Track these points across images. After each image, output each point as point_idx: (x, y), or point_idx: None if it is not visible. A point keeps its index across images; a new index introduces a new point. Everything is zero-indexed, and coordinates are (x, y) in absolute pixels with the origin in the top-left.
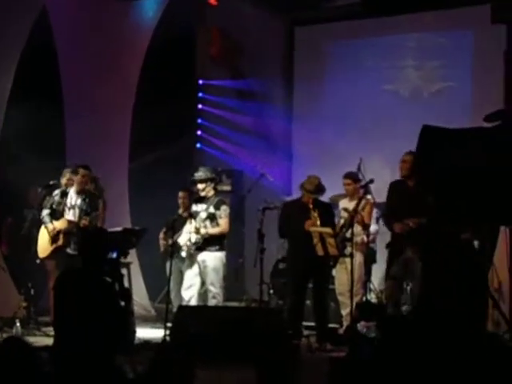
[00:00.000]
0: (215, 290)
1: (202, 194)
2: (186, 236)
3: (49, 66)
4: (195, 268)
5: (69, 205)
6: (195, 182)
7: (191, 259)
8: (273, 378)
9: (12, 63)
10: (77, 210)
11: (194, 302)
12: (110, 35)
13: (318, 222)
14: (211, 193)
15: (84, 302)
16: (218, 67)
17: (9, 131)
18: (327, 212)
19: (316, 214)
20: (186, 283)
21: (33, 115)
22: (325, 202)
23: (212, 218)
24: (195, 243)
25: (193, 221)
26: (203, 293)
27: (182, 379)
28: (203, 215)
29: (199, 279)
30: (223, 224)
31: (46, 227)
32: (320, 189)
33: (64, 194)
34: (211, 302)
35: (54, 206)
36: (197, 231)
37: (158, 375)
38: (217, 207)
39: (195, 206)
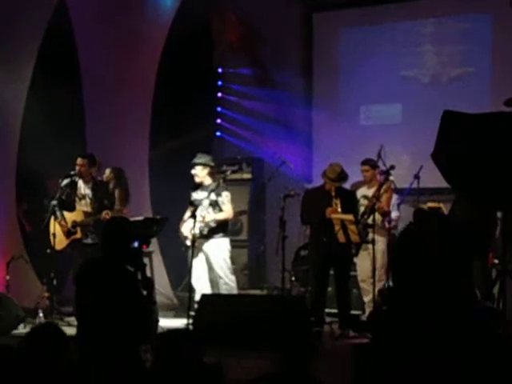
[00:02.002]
0: (225, 276)
1: (197, 179)
2: (189, 225)
3: (68, 55)
4: (201, 257)
5: (79, 195)
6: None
7: (196, 248)
8: (292, 365)
9: (32, 54)
10: (88, 200)
11: (207, 291)
12: (128, 25)
13: (340, 210)
14: (208, 181)
15: (106, 291)
16: (237, 55)
17: (29, 121)
18: (350, 199)
19: (338, 202)
20: (194, 274)
21: (53, 105)
22: (348, 190)
23: (214, 205)
24: (200, 232)
25: (191, 208)
26: (213, 280)
27: (189, 367)
28: (205, 203)
29: (206, 268)
30: (227, 209)
31: (58, 222)
32: (342, 177)
33: (74, 184)
34: (223, 290)
35: (63, 197)
36: (202, 219)
37: (163, 364)
38: (218, 194)
39: (195, 193)
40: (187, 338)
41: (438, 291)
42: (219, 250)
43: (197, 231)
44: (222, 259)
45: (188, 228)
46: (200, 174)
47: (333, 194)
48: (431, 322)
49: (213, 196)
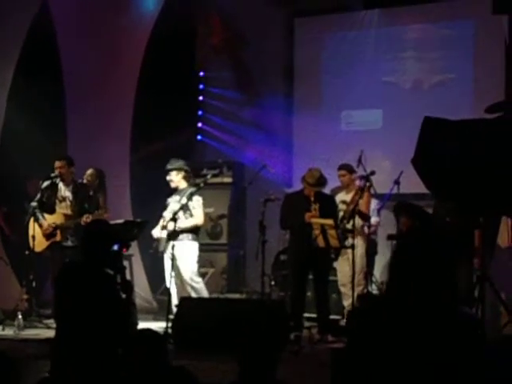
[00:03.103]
0: (190, 280)
1: (173, 185)
2: (159, 229)
3: (50, 58)
4: (169, 260)
5: (60, 197)
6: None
7: (167, 252)
8: (254, 370)
9: (13, 55)
10: (68, 202)
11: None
12: (111, 27)
13: (318, 215)
14: (184, 185)
15: (86, 294)
16: (219, 58)
17: (10, 122)
18: (329, 204)
19: (316, 207)
20: (167, 278)
21: (34, 107)
22: (327, 195)
23: (185, 209)
24: (168, 235)
25: (164, 214)
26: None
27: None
28: (175, 206)
29: (174, 271)
30: (197, 215)
31: (39, 224)
32: (321, 182)
33: (54, 186)
34: (192, 294)
35: (44, 199)
36: (164, 227)
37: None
38: (189, 198)
39: (170, 198)
40: (155, 339)
41: (418, 296)
42: (186, 252)
43: (164, 235)
44: (188, 262)
45: (158, 231)
46: (175, 178)
47: (312, 198)
48: (409, 326)
49: (184, 200)
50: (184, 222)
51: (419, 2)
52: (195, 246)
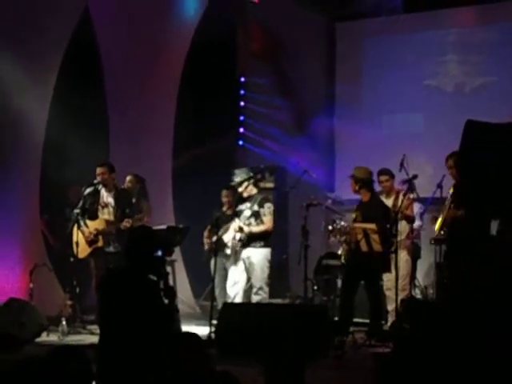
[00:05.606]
0: (259, 286)
1: (245, 194)
2: (232, 234)
3: (92, 63)
4: (240, 265)
5: (102, 203)
6: (235, 188)
7: (236, 256)
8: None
9: (56, 61)
10: (110, 209)
11: (239, 299)
12: (152, 34)
13: (360, 221)
14: (254, 191)
15: (129, 299)
16: (260, 64)
17: (53, 128)
18: (372, 209)
19: (354, 214)
20: (230, 280)
21: (76, 112)
22: (377, 200)
23: (256, 215)
24: (240, 240)
25: (237, 219)
26: (248, 289)
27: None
28: (247, 213)
29: (245, 276)
30: (267, 222)
31: (81, 231)
32: (361, 176)
33: (96, 193)
34: (254, 299)
35: (86, 206)
36: (240, 230)
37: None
38: (261, 205)
39: (241, 205)
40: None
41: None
42: (258, 259)
43: (237, 240)
44: (259, 268)
45: (230, 237)
46: (248, 188)
47: (355, 207)
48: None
49: (255, 207)
50: (255, 227)
51: (459, 5)
52: (267, 252)
